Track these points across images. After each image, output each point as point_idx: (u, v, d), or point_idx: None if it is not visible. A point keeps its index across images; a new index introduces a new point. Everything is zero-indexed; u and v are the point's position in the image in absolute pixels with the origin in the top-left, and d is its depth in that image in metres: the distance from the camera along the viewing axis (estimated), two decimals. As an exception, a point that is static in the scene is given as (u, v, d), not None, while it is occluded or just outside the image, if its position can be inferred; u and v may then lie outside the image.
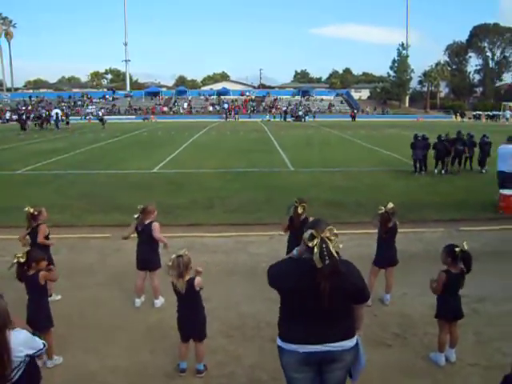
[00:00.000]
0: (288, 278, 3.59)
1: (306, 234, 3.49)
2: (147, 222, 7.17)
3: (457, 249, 5.36)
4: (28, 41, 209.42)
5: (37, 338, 3.56)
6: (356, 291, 3.62)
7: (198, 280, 5.26)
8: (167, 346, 5.93)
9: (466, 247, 5.39)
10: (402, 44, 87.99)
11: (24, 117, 55.31)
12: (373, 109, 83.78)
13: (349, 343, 3.64)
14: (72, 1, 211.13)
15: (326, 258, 3.39)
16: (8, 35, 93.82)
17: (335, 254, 3.44)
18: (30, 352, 3.44)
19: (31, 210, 7.22)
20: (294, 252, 3.77)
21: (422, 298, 7.07)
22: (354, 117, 69.55)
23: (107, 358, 5.76)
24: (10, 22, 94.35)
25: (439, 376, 5.37)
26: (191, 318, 5.33)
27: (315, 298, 3.47)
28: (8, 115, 55.51)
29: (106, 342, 6.18)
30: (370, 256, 7.46)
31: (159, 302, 7.26)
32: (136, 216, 7.26)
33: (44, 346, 3.59)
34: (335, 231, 3.51)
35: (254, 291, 7.58)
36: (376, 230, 7.32)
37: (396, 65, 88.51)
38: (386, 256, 7.18)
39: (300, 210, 7.09)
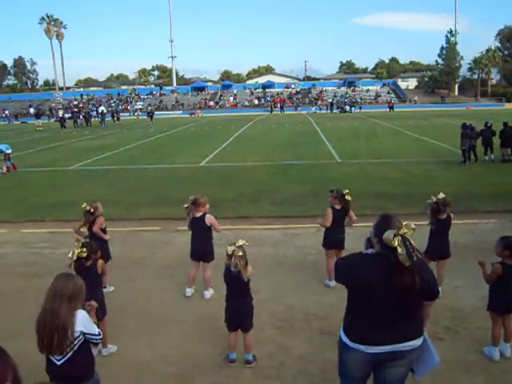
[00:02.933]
0: (363, 272, 3.46)
1: (388, 234, 3.33)
2: (199, 214, 7.27)
3: None
4: (78, 41, 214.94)
5: (94, 325, 3.88)
6: (428, 288, 3.47)
7: (250, 269, 5.33)
8: (217, 337, 6.02)
9: None
10: (451, 30, 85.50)
11: (68, 115, 57.16)
12: (420, 98, 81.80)
13: (417, 342, 3.55)
14: (118, 1, 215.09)
15: (413, 255, 3.28)
16: (59, 36, 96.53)
17: (418, 249, 3.35)
18: (84, 330, 3.77)
19: (87, 208, 7.46)
20: (368, 251, 3.64)
21: (474, 290, 6.93)
22: (391, 107, 68.60)
23: (159, 348, 5.91)
24: (61, 23, 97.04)
25: (494, 371, 5.23)
26: (240, 307, 5.39)
27: (390, 295, 3.35)
28: (60, 113, 57.07)
29: (158, 332, 6.33)
30: (420, 248, 7.29)
31: (209, 293, 7.37)
32: (185, 206, 7.37)
33: (99, 334, 3.87)
34: (413, 225, 3.36)
35: (302, 283, 7.61)
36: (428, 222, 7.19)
37: (444, 52, 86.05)
38: (437, 248, 7.02)
39: (349, 198, 7.48)
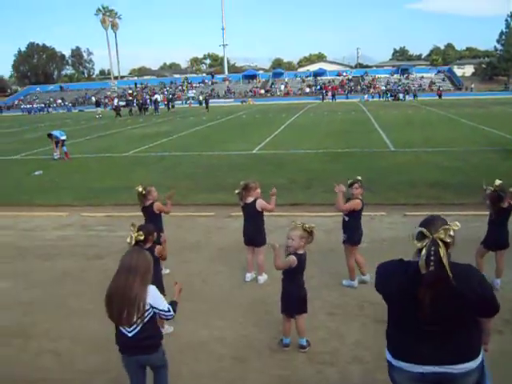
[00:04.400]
0: (391, 282, 3.21)
1: (415, 232, 3.08)
2: (251, 199, 7.34)
3: None
4: (132, 31, 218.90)
5: (164, 301, 4.06)
6: (478, 301, 3.01)
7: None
8: (271, 321, 6.09)
9: None
10: (511, 14, 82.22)
11: (123, 104, 58.54)
12: (477, 85, 79.11)
13: (472, 364, 3.12)
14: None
15: (432, 263, 2.91)
16: (114, 26, 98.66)
17: (445, 261, 2.91)
18: (154, 304, 3.95)
19: (140, 189, 7.58)
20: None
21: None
22: (440, 95, 67.33)
23: (215, 330, 6.04)
24: (116, 13, 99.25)
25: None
26: (291, 292, 5.44)
27: (420, 308, 3.02)
28: (115, 102, 58.52)
29: (213, 314, 6.46)
30: (478, 239, 7.13)
31: (262, 278, 7.45)
32: (237, 191, 7.45)
33: (169, 309, 4.04)
34: (451, 232, 2.99)
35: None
36: (487, 212, 7.01)
37: (504, 37, 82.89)
38: (496, 238, 6.82)
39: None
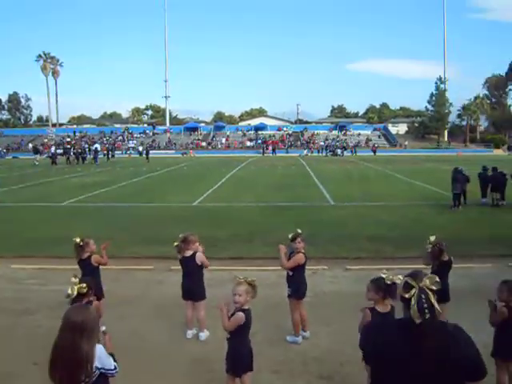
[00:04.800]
0: (381, 339, 3.02)
1: (401, 284, 3.05)
2: (190, 253, 7.17)
3: None
4: (73, 79, 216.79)
5: (111, 358, 3.80)
6: (469, 364, 2.85)
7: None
8: (213, 380, 5.84)
9: None
10: (440, 78, 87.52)
11: (60, 152, 57.51)
12: (410, 143, 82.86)
13: None
14: (114, 39, 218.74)
15: (426, 310, 2.82)
16: (55, 73, 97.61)
17: (438, 308, 2.86)
18: (99, 365, 3.67)
19: (77, 241, 7.28)
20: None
21: (474, 335, 6.78)
22: (374, 151, 70.54)
23: (153, 391, 5.71)
24: (58, 60, 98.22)
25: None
26: (248, 349, 5.26)
27: (417, 364, 2.81)
28: (52, 149, 57.25)
29: (151, 374, 6.13)
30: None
31: (204, 334, 7.20)
32: (176, 244, 7.27)
33: (115, 368, 3.81)
34: (437, 279, 2.98)
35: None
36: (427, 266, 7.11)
37: (434, 99, 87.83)
38: (437, 292, 6.89)
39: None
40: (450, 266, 6.98)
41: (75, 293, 4.95)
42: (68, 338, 3.54)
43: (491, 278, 9.41)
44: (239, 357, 5.23)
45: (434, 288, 2.92)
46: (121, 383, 5.78)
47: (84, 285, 5.07)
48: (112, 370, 3.76)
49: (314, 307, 8.08)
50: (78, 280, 5.15)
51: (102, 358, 3.68)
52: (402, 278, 4.97)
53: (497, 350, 5.35)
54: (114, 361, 3.85)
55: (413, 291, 2.91)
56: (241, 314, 5.12)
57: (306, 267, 7.27)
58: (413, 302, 2.86)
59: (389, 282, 4.98)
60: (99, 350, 3.69)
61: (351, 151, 72.01)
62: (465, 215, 17.50)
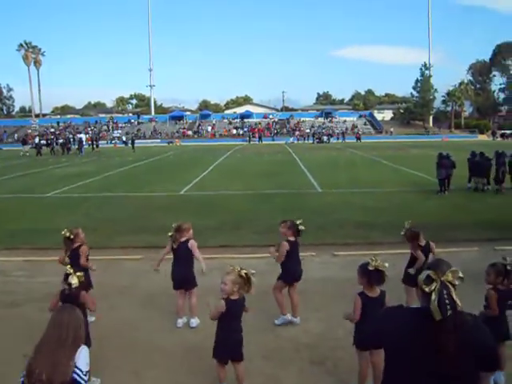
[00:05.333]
0: (395, 332, 2.86)
1: (422, 276, 2.82)
2: (183, 239, 7.15)
3: (508, 266, 5.23)
4: (56, 68, 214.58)
5: (88, 365, 3.61)
6: (487, 354, 2.76)
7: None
8: (205, 367, 5.83)
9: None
10: (425, 64, 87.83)
11: (44, 142, 56.89)
12: (395, 129, 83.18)
13: None
14: (98, 28, 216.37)
15: (448, 307, 2.66)
16: (37, 63, 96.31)
17: (459, 304, 2.71)
18: (78, 364, 3.50)
19: (67, 234, 7.20)
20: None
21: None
22: (358, 138, 70.88)
23: (146, 380, 5.72)
24: (39, 50, 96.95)
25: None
26: (234, 337, 5.25)
27: (433, 361, 2.70)
28: (36, 140, 56.62)
29: (144, 363, 6.13)
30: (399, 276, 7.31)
31: (195, 321, 7.21)
32: (170, 234, 7.24)
33: (86, 374, 3.57)
34: (460, 274, 2.79)
35: (290, 313, 7.48)
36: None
37: (419, 85, 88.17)
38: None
39: (302, 228, 7.15)
40: (428, 250, 7.06)
41: (77, 282, 5.03)
42: (53, 337, 3.49)
43: (478, 261, 9.51)
44: (225, 345, 5.25)
45: (457, 283, 2.74)
46: (113, 374, 5.82)
47: (81, 274, 5.16)
48: (83, 373, 3.52)
49: (303, 293, 8.09)
50: (73, 270, 5.20)
51: (82, 359, 3.55)
52: (387, 265, 5.06)
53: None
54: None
55: (433, 285, 2.74)
56: (221, 302, 5.14)
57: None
58: (433, 297, 2.70)
59: (371, 268, 5.00)
60: (84, 352, 3.58)
61: (339, 138, 72.11)
62: (451, 200, 17.64)
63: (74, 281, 5.18)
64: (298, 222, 7.12)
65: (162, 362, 6.17)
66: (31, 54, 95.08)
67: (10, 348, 6.22)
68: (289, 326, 7.19)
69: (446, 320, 2.67)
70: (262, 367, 5.95)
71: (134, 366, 6.05)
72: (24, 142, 55.58)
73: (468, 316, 2.82)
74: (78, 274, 5.28)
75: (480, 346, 2.73)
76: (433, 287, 2.73)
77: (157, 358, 6.27)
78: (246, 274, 5.17)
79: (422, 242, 7.05)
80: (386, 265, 5.05)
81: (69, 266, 5.43)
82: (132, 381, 5.69)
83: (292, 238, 7.10)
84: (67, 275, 5.27)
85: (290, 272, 7.18)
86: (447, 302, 2.67)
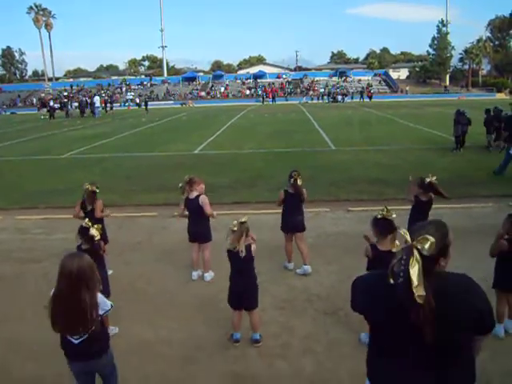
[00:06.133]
0: (372, 301, 2.66)
1: (401, 233, 2.53)
2: (194, 194, 7.22)
3: None
4: (67, 31, 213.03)
5: (106, 300, 3.86)
6: (477, 318, 2.51)
7: (253, 247, 5.30)
8: (220, 319, 5.96)
9: None
10: (442, 21, 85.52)
11: (58, 105, 57.00)
12: (411, 88, 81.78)
13: None
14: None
15: (401, 274, 2.39)
16: (48, 26, 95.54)
17: (414, 275, 2.35)
18: (101, 312, 3.73)
19: (91, 188, 7.36)
20: None
21: (474, 271, 6.89)
22: (370, 97, 69.68)
23: (161, 330, 5.85)
24: (50, 12, 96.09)
25: (498, 349, 5.14)
26: (245, 285, 5.35)
27: (409, 329, 2.45)
28: (51, 103, 56.63)
29: (159, 314, 6.26)
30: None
31: (209, 275, 7.32)
32: (180, 185, 7.32)
33: (111, 306, 3.87)
34: (427, 245, 2.40)
35: (302, 265, 7.57)
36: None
37: (436, 43, 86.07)
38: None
39: (300, 182, 7.27)
40: (429, 205, 7.08)
41: (98, 234, 5.18)
42: (66, 288, 3.56)
43: (492, 217, 9.51)
44: (242, 291, 5.37)
45: (425, 253, 2.39)
46: (130, 324, 5.97)
47: (100, 225, 5.32)
48: (108, 309, 3.86)
49: (316, 247, 8.21)
50: (91, 223, 5.36)
51: (102, 305, 3.76)
52: (395, 215, 5.08)
53: (497, 282, 5.45)
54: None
55: (401, 247, 2.50)
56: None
57: (308, 210, 7.50)
58: (394, 260, 2.48)
59: (379, 217, 5.01)
60: (100, 298, 3.76)
61: (356, 97, 71.06)
62: (466, 157, 17.46)
63: (95, 233, 5.31)
64: (293, 174, 7.26)
65: (177, 313, 6.29)
66: (42, 16, 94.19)
67: (31, 302, 6.41)
68: (302, 277, 7.28)
69: (397, 287, 2.41)
70: (276, 316, 6.06)
71: (150, 317, 6.18)
72: (43, 106, 55.70)
73: (457, 279, 2.59)
74: (96, 226, 5.40)
75: (471, 311, 2.49)
76: (396, 248, 2.55)
77: (172, 309, 6.40)
78: (234, 225, 5.29)
79: (424, 198, 7.00)
80: (394, 215, 5.05)
81: (87, 220, 5.52)
82: (148, 331, 5.83)
83: (291, 190, 7.31)
84: (84, 228, 5.37)
85: (285, 222, 7.51)
86: (402, 268, 2.39)
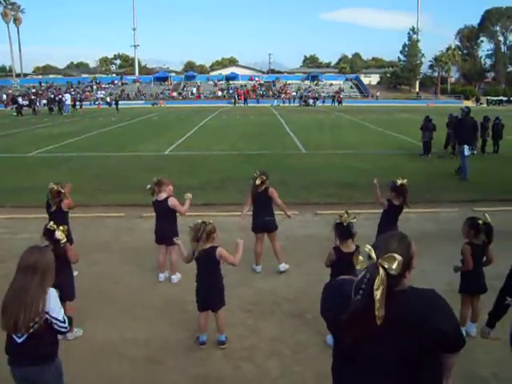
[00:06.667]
0: (333, 308, 2.51)
1: (366, 249, 2.36)
2: (163, 196, 7.17)
3: (479, 221, 5.33)
4: (36, 26, 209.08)
5: (61, 309, 3.64)
6: (440, 337, 2.35)
7: (220, 250, 5.28)
8: (186, 320, 5.93)
9: (488, 219, 5.37)
10: (413, 28, 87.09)
11: (25, 102, 56.09)
12: (382, 93, 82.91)
13: None
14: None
15: (360, 292, 2.27)
16: (16, 21, 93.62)
17: (378, 296, 2.22)
18: (49, 311, 3.53)
19: (56, 188, 7.14)
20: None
21: (439, 275, 7.02)
22: (340, 102, 70.65)
23: (127, 331, 5.77)
24: (19, 7, 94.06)
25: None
26: (211, 286, 5.33)
27: (366, 341, 2.33)
28: (20, 100, 55.54)
29: (125, 315, 6.19)
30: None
31: (176, 277, 7.27)
32: (149, 187, 7.25)
33: (64, 321, 3.61)
34: (395, 265, 2.25)
35: (271, 268, 7.59)
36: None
37: (406, 49, 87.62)
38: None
39: (258, 182, 7.35)
40: (401, 209, 7.13)
41: (64, 237, 5.06)
42: (19, 280, 3.49)
43: (457, 221, 9.65)
44: (207, 291, 5.35)
45: (392, 272, 2.24)
46: (95, 325, 5.88)
47: (65, 228, 5.19)
48: (60, 321, 3.57)
49: (285, 250, 8.20)
50: (56, 225, 5.24)
51: (53, 302, 3.55)
52: (355, 220, 5.17)
53: (462, 287, 5.56)
54: (70, 324, 3.68)
55: (366, 264, 2.35)
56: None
57: (278, 212, 7.80)
58: (359, 276, 2.35)
59: (338, 221, 5.17)
60: (52, 294, 3.58)
61: (327, 101, 71.71)
62: (434, 163, 17.77)
63: (60, 236, 5.18)
64: (255, 174, 7.44)
65: (143, 314, 6.22)
66: (10, 11, 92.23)
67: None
68: (270, 279, 7.30)
69: (353, 303, 2.29)
70: (243, 319, 6.05)
71: (115, 318, 6.11)
72: (15, 102, 54.72)
73: (422, 294, 2.47)
74: (61, 228, 5.27)
75: (434, 331, 2.33)
76: (364, 265, 2.34)
77: (138, 310, 6.33)
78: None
79: (397, 202, 7.03)
80: (355, 220, 5.17)
81: (52, 222, 5.39)
82: (113, 332, 5.75)
83: (260, 190, 7.40)
84: (49, 231, 5.25)
85: (255, 222, 7.63)
86: (363, 286, 2.26)
